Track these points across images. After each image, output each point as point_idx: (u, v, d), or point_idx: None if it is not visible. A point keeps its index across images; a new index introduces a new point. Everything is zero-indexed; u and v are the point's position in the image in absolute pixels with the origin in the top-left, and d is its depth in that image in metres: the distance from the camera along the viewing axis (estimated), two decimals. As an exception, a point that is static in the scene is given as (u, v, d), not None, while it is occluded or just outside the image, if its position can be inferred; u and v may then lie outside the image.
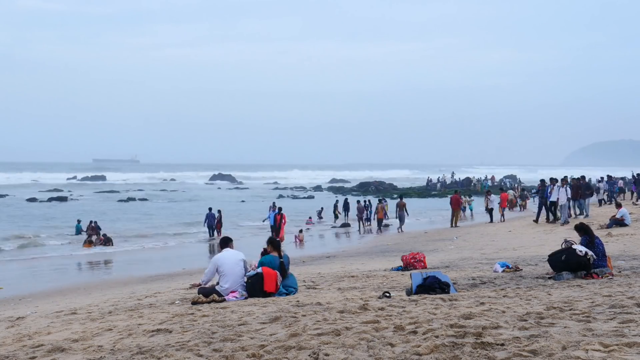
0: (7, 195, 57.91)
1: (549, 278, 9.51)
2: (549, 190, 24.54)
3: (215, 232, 28.67)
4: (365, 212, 33.96)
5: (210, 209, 29.99)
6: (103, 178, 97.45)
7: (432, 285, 8.34)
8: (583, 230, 10.24)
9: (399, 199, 30.43)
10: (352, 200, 38.16)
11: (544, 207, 25.42)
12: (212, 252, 24.27)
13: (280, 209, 26.73)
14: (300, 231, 27.36)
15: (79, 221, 30.38)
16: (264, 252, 9.99)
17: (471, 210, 39.58)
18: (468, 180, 70.28)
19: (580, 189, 25.30)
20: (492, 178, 72.08)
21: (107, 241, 25.80)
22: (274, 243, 9.91)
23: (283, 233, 25.09)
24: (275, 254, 9.64)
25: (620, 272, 9.97)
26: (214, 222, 28.94)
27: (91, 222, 28.14)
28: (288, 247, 23.30)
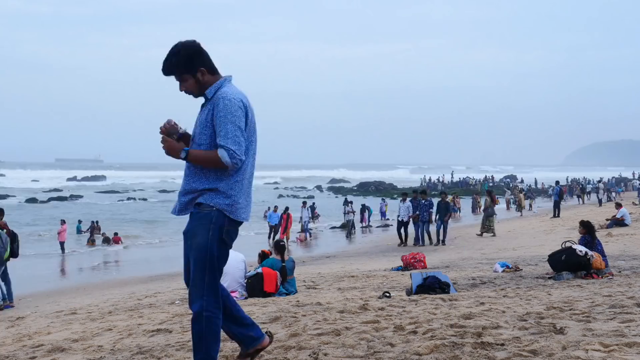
0: (8, 196, 57.83)
1: (549, 278, 9.50)
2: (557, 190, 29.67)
3: None
4: (365, 213, 33.92)
5: None
6: (103, 178, 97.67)
7: (432, 285, 8.34)
8: (587, 228, 10.24)
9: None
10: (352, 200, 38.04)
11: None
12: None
13: (287, 208, 26.55)
14: (300, 232, 27.28)
15: (79, 222, 30.38)
16: (262, 254, 9.97)
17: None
18: (467, 180, 70.26)
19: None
20: (492, 178, 72.07)
21: (105, 241, 25.80)
22: (279, 247, 9.86)
23: (289, 233, 25.07)
24: (278, 257, 9.62)
25: (620, 272, 9.97)
26: None
27: (92, 222, 28.17)
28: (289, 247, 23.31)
